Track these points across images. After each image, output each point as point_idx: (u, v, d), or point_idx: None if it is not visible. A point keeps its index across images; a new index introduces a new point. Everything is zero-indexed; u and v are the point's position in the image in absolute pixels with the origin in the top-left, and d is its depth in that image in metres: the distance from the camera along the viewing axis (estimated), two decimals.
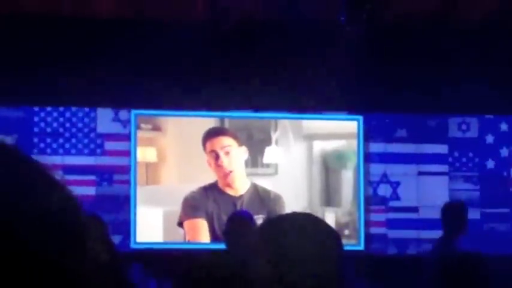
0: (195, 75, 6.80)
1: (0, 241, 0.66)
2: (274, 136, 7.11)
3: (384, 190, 7.21)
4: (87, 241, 0.71)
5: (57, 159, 6.67)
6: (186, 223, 6.83)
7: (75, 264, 0.70)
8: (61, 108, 6.91)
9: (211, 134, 6.93)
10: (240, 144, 6.98)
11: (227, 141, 6.95)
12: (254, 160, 7.04)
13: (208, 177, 6.91)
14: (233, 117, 7.04)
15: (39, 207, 0.69)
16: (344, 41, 6.76)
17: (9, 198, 0.68)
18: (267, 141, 7.10)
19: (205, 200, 6.87)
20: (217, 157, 6.86)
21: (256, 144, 7.06)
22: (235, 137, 6.98)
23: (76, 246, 0.70)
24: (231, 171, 6.91)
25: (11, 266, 0.66)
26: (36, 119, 6.88)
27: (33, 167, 0.73)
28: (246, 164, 7.00)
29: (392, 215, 7.19)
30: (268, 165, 7.11)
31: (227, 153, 6.90)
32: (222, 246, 5.87)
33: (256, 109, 7.09)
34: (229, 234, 4.86)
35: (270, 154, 7.10)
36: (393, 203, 7.21)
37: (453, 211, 5.80)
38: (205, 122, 6.98)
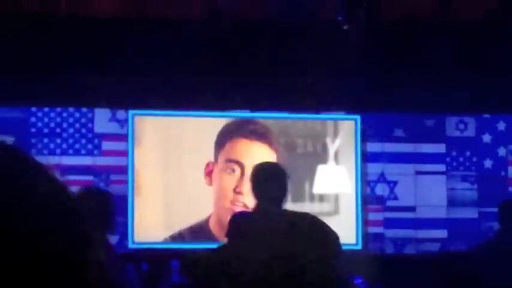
0: (193, 75, 6.80)
1: (2, 241, 0.66)
2: (332, 148, 5.98)
3: (382, 189, 7.22)
4: (88, 242, 0.72)
5: (54, 160, 6.66)
6: None
7: (76, 265, 0.70)
8: (58, 109, 6.91)
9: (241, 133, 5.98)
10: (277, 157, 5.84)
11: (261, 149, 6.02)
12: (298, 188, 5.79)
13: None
14: (232, 117, 7.02)
15: (41, 208, 0.69)
16: (342, 40, 6.76)
17: (11, 199, 0.68)
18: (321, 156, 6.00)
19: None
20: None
21: (301, 159, 5.57)
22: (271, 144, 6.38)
23: (77, 248, 0.71)
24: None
25: (12, 267, 0.66)
26: (33, 119, 6.87)
27: (35, 167, 0.73)
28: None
29: (390, 215, 7.20)
30: (322, 198, 6.22)
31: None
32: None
33: (254, 109, 7.09)
34: (231, 235, 4.84)
35: (326, 177, 5.68)
36: (391, 203, 7.21)
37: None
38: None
